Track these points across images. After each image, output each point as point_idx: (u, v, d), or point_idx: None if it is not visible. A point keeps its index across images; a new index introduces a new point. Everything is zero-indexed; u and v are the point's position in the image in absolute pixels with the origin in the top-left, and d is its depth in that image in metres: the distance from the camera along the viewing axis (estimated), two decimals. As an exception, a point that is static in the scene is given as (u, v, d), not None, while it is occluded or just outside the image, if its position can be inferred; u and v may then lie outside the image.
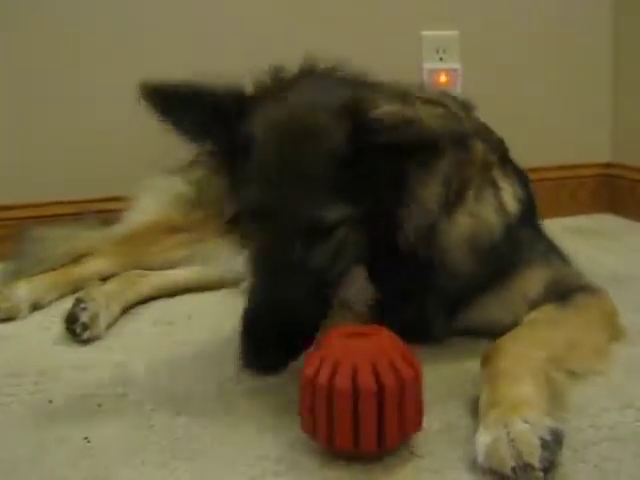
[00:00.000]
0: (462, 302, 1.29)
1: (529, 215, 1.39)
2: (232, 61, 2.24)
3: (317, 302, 1.11)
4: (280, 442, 1.04)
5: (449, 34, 2.37)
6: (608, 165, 2.57)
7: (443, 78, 2.36)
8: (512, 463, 0.89)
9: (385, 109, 1.05)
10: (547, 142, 2.45)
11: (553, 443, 0.91)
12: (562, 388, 1.11)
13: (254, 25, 2.25)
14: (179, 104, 1.14)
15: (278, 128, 1.09)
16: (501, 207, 1.31)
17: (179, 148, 2.03)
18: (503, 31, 2.42)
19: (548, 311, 1.28)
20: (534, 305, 1.30)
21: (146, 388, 1.26)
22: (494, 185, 1.31)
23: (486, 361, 1.11)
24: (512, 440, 0.90)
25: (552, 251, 1.40)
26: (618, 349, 1.28)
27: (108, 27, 2.18)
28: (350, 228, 1.10)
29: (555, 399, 1.05)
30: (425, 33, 2.37)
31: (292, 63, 1.20)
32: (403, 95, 1.14)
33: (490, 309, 1.32)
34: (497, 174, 1.33)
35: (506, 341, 1.15)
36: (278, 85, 1.15)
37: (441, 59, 2.38)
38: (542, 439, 0.90)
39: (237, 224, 1.21)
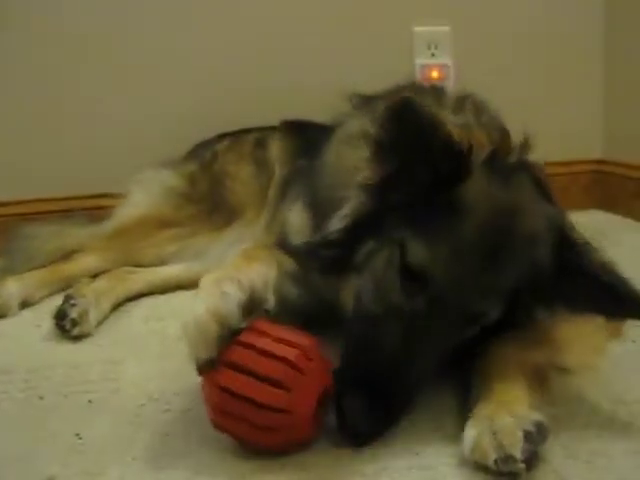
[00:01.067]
0: None
1: None
2: (227, 53, 2.25)
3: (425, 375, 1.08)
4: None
5: (441, 30, 2.37)
6: (600, 162, 2.58)
7: (435, 74, 2.35)
8: (494, 455, 0.89)
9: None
10: (539, 138, 2.45)
11: (537, 435, 0.91)
12: (554, 384, 1.10)
13: (247, 24, 2.25)
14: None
15: (494, 218, 1.05)
16: None
17: (170, 145, 2.06)
18: (495, 27, 2.42)
19: None
20: None
21: (136, 384, 1.26)
22: None
23: (480, 358, 1.11)
24: (495, 433, 0.91)
25: None
26: (610, 345, 1.28)
27: (106, 27, 2.18)
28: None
29: (547, 396, 1.05)
30: (417, 29, 2.37)
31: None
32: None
33: None
34: None
35: (501, 339, 1.13)
36: (498, 163, 1.10)
37: (433, 55, 2.37)
38: (525, 431, 0.90)
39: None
